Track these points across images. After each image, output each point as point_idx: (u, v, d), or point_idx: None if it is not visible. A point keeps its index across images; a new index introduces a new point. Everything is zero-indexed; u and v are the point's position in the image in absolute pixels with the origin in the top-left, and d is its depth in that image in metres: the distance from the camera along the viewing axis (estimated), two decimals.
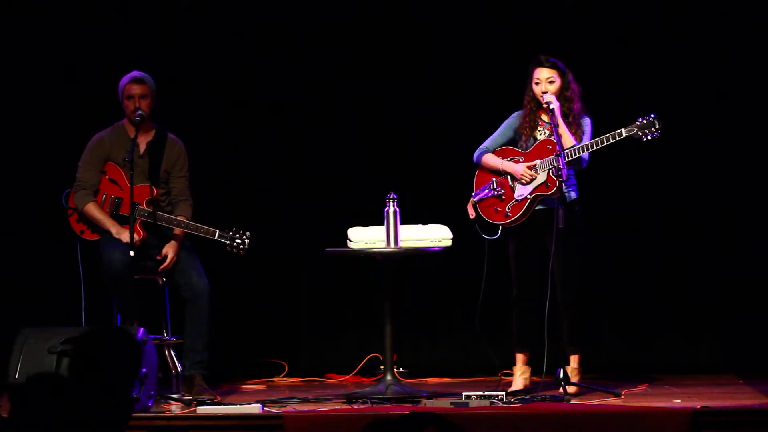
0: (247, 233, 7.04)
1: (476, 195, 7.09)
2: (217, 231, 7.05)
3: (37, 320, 6.92)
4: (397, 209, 6.96)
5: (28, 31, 8.45)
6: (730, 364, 8.16)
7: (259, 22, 8.56)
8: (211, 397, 6.93)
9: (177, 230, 7.13)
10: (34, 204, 8.44)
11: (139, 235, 7.02)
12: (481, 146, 7.13)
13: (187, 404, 6.63)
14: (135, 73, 7.18)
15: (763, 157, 8.28)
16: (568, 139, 6.85)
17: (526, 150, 7.01)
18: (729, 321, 8.33)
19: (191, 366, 7.07)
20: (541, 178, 6.91)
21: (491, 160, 7.08)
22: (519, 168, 6.96)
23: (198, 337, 7.08)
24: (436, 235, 7.09)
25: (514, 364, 7.14)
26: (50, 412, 3.59)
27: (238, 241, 7.04)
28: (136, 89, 7.12)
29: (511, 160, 7.03)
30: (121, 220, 7.12)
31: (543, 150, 6.93)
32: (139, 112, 7.05)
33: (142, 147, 7.20)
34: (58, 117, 8.46)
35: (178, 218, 7.13)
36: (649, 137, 6.80)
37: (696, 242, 8.37)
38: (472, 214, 7.09)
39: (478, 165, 7.14)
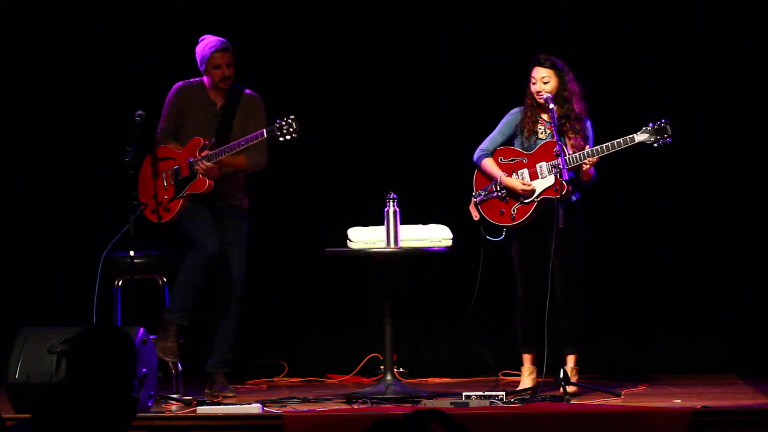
0: (291, 117, 7.03)
1: (478, 196, 7.06)
2: (264, 130, 7.06)
3: (37, 320, 6.92)
4: (397, 209, 6.96)
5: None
6: (730, 364, 8.16)
7: (258, 22, 8.56)
8: (231, 394, 7.08)
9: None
10: (34, 203, 8.45)
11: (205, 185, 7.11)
12: (481, 146, 7.10)
13: (187, 404, 6.63)
14: (218, 42, 7.17)
15: (763, 157, 8.27)
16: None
17: (530, 150, 6.99)
18: (729, 321, 8.33)
19: (214, 364, 7.21)
20: (549, 180, 6.88)
21: (491, 168, 7.05)
22: (518, 185, 6.92)
23: (225, 337, 7.22)
24: (436, 235, 7.09)
25: (521, 364, 7.11)
26: (52, 412, 3.59)
27: (285, 128, 7.03)
28: (222, 59, 7.16)
29: (513, 161, 7.00)
30: (184, 183, 7.13)
31: (548, 152, 6.90)
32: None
33: (218, 103, 7.25)
34: (59, 116, 8.47)
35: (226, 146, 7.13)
36: (661, 143, 6.80)
37: (696, 242, 8.37)
38: (476, 215, 7.04)
39: (477, 165, 7.11)
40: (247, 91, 7.31)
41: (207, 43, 7.20)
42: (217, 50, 7.15)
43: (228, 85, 7.21)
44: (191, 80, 7.32)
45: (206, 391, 7.13)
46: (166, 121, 7.29)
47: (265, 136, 7.04)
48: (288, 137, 7.03)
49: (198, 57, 7.23)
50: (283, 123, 7.01)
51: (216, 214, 7.23)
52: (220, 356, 7.20)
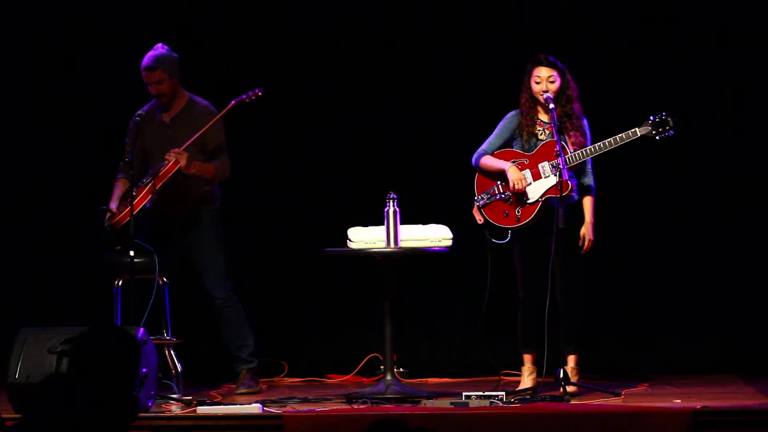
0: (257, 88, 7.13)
1: (480, 200, 7.04)
2: (233, 101, 7.11)
3: (37, 320, 6.92)
4: (397, 209, 6.95)
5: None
6: (730, 364, 8.16)
7: (259, 22, 8.56)
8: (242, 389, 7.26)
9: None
10: (34, 203, 8.45)
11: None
12: (479, 149, 7.09)
13: (187, 404, 6.63)
14: (145, 61, 7.15)
15: (763, 157, 8.28)
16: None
17: (530, 151, 6.98)
18: (729, 321, 8.33)
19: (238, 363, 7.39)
20: (552, 180, 6.86)
21: (492, 161, 7.04)
22: (512, 175, 6.91)
23: (233, 339, 7.37)
24: (436, 235, 7.08)
25: (521, 364, 7.11)
26: (53, 412, 3.59)
27: (249, 93, 7.12)
28: (149, 78, 7.15)
29: (515, 162, 6.99)
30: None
31: (549, 152, 6.89)
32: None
33: (168, 117, 7.22)
34: (59, 116, 8.47)
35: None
36: (663, 135, 6.83)
37: (696, 242, 8.37)
38: (480, 219, 7.02)
39: (477, 168, 7.10)
40: (203, 103, 7.30)
41: (144, 59, 7.18)
42: (142, 69, 7.16)
43: (164, 99, 7.18)
44: (148, 104, 7.28)
45: (184, 396, 7.06)
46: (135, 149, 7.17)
47: (232, 104, 7.08)
48: (254, 97, 7.11)
49: None
50: (247, 93, 7.11)
51: (176, 234, 7.30)
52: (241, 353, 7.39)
